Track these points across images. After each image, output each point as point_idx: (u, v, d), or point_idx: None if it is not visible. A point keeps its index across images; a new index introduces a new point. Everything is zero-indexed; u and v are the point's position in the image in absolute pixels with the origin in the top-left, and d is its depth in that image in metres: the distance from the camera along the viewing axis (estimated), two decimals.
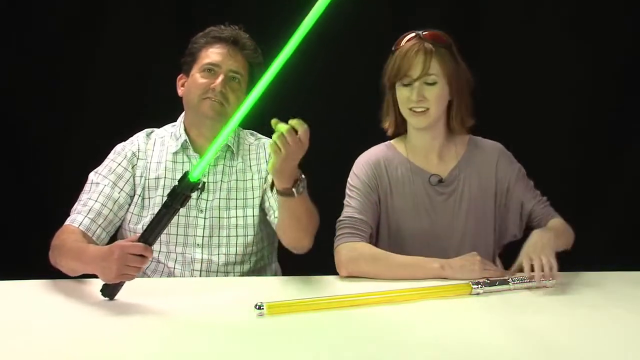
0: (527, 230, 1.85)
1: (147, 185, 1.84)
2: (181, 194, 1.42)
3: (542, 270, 1.57)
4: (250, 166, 1.89)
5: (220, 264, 1.84)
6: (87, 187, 1.82)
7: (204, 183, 1.84)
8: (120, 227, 1.85)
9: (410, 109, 1.76)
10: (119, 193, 1.81)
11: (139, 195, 1.83)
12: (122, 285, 1.49)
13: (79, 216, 1.75)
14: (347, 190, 1.84)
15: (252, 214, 1.86)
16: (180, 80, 1.90)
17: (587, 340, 1.26)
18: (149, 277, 1.85)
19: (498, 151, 1.87)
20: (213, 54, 1.83)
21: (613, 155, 2.54)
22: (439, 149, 1.85)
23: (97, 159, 1.87)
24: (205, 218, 1.84)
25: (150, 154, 1.88)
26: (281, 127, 1.48)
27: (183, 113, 1.91)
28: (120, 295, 1.51)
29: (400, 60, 1.74)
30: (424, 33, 1.75)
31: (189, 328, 1.33)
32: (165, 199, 1.45)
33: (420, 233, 1.81)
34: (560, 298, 1.53)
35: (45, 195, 2.46)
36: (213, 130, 1.79)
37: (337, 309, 1.44)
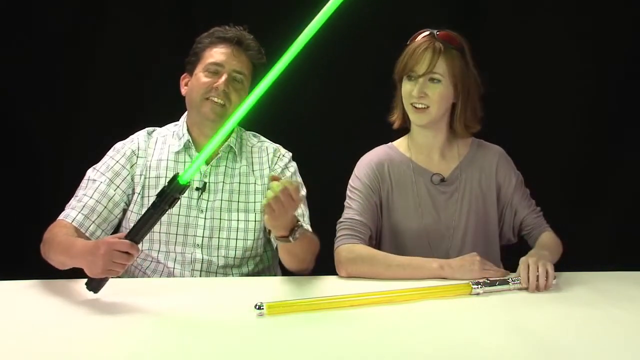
0: (519, 238, 1.89)
1: (146, 183, 1.84)
2: (170, 195, 1.42)
3: (538, 280, 1.57)
4: (253, 170, 1.89)
5: (219, 265, 1.84)
6: (83, 183, 1.83)
7: (205, 183, 1.84)
8: (120, 225, 1.85)
9: (412, 105, 1.77)
10: (114, 191, 1.81)
11: (139, 194, 1.83)
12: (106, 280, 1.50)
13: (73, 212, 1.76)
14: (347, 192, 1.85)
15: (253, 219, 1.86)
16: (184, 79, 1.90)
17: (587, 340, 1.26)
18: (148, 276, 1.85)
19: (499, 155, 1.88)
20: (217, 54, 1.83)
21: (613, 155, 2.54)
22: (441, 148, 1.85)
23: (97, 159, 1.87)
24: (205, 219, 1.84)
25: (151, 153, 1.88)
26: (275, 186, 1.50)
27: (186, 112, 1.92)
28: (120, 295, 1.51)
29: (408, 55, 1.77)
30: (437, 32, 1.77)
31: (189, 328, 1.33)
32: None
33: (422, 232, 1.81)
34: (560, 298, 1.53)
35: (44, 195, 2.46)
36: (215, 130, 1.78)
37: (337, 309, 1.44)
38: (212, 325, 1.35)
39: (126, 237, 1.45)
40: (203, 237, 1.83)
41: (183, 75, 1.91)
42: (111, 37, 2.48)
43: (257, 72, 1.87)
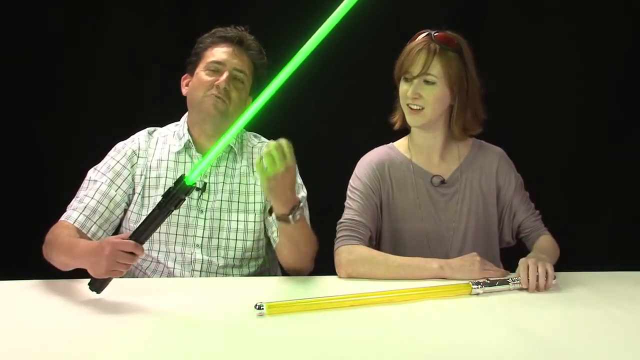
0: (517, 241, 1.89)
1: (147, 184, 1.84)
2: (176, 196, 1.43)
3: (538, 280, 1.57)
4: (253, 171, 1.89)
5: (219, 265, 1.84)
6: (85, 183, 1.83)
7: (205, 183, 1.84)
8: (120, 225, 1.85)
9: (408, 105, 1.77)
10: (116, 191, 1.81)
11: (139, 194, 1.84)
12: (110, 281, 1.50)
13: (74, 213, 1.76)
14: (348, 192, 1.85)
15: (253, 220, 1.86)
16: (185, 79, 1.90)
17: (587, 340, 1.26)
18: (149, 277, 1.85)
19: (500, 156, 1.88)
20: (218, 53, 1.84)
21: (614, 155, 2.54)
22: (441, 150, 1.85)
23: (97, 159, 1.87)
24: (205, 219, 1.84)
25: (152, 153, 1.88)
26: (269, 144, 1.55)
27: (187, 113, 1.92)
28: (120, 295, 1.51)
29: (405, 56, 1.76)
30: (435, 33, 1.75)
31: (188, 328, 1.33)
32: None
33: (422, 233, 1.81)
34: (560, 298, 1.53)
35: (44, 196, 2.46)
36: (215, 129, 1.80)
37: (337, 309, 1.43)
38: (212, 325, 1.35)
39: (130, 238, 1.45)
40: (203, 237, 1.83)
41: (184, 76, 1.91)
42: (111, 37, 2.48)
43: (257, 73, 1.87)
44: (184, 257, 1.83)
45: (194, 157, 1.87)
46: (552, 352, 1.20)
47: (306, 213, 1.85)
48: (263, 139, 1.97)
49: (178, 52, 1.97)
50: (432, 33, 1.76)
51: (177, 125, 1.93)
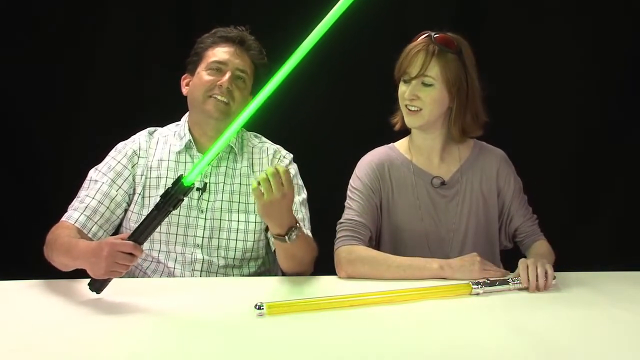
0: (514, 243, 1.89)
1: (147, 184, 1.84)
2: (174, 197, 1.43)
3: (538, 280, 1.57)
4: (254, 171, 1.89)
5: (220, 265, 1.84)
6: (85, 183, 1.83)
7: (206, 183, 1.84)
8: (120, 225, 1.85)
9: (406, 106, 1.77)
10: (116, 191, 1.81)
11: (139, 194, 1.84)
12: (109, 281, 1.50)
13: (75, 213, 1.76)
14: (348, 192, 1.84)
15: (254, 220, 1.86)
16: (185, 79, 1.90)
17: (587, 340, 1.26)
18: (149, 277, 1.85)
19: (501, 158, 1.87)
20: (220, 53, 1.84)
21: (614, 155, 2.54)
22: (441, 151, 1.85)
23: (97, 159, 1.87)
24: (205, 219, 1.84)
25: (152, 153, 1.88)
26: (267, 170, 1.53)
27: (187, 113, 1.92)
28: (120, 295, 1.51)
29: (404, 57, 1.76)
30: (435, 35, 1.75)
31: (188, 328, 1.33)
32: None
33: (422, 235, 1.81)
34: (560, 298, 1.53)
35: (44, 195, 2.46)
36: (216, 129, 1.80)
37: (337, 309, 1.43)
38: (212, 325, 1.35)
39: (129, 238, 1.45)
40: (203, 237, 1.83)
41: (184, 76, 1.91)
42: (111, 37, 2.48)
43: (257, 73, 1.87)
44: (184, 257, 1.83)
45: (194, 157, 1.87)
46: (552, 352, 1.20)
47: (306, 215, 1.85)
48: (264, 138, 1.97)
49: (178, 52, 1.97)
50: (432, 34, 1.75)
51: (177, 125, 1.93)
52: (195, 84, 1.84)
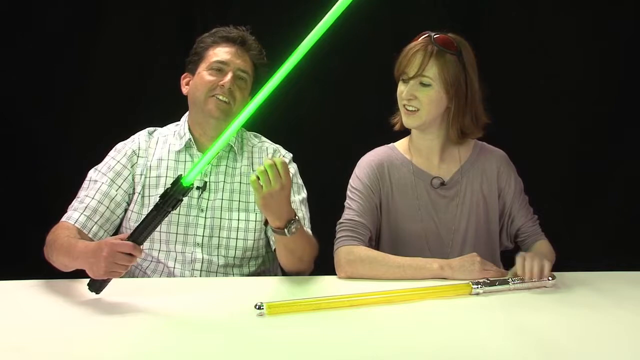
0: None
1: (147, 183, 1.84)
2: (173, 197, 1.43)
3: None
4: (254, 170, 1.89)
5: (220, 264, 1.84)
6: (85, 184, 1.83)
7: (206, 182, 1.84)
8: (120, 224, 1.85)
9: (404, 106, 1.77)
10: (116, 191, 1.81)
11: (139, 194, 1.84)
12: (109, 282, 1.50)
13: (75, 213, 1.76)
14: (348, 192, 1.84)
15: (254, 219, 1.86)
16: (185, 79, 1.90)
17: (587, 340, 1.26)
18: (149, 276, 1.85)
19: (502, 159, 1.86)
20: (221, 53, 1.84)
21: (613, 155, 2.55)
22: (441, 152, 1.84)
23: (96, 159, 1.88)
24: (206, 218, 1.84)
25: (152, 152, 1.88)
26: (265, 161, 1.54)
27: (187, 112, 1.92)
28: (120, 295, 1.51)
29: (403, 56, 1.76)
30: (435, 35, 1.74)
31: (188, 328, 1.33)
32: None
33: (422, 235, 1.81)
34: (560, 298, 1.53)
35: (44, 195, 2.46)
36: (217, 129, 1.80)
37: (337, 309, 1.43)
38: (212, 325, 1.35)
39: (128, 239, 1.45)
40: (203, 236, 1.83)
41: (184, 75, 1.91)
42: (111, 37, 2.48)
43: (258, 73, 1.88)
44: (184, 257, 1.83)
45: (194, 156, 1.87)
46: (552, 352, 1.20)
47: (307, 214, 1.85)
48: (263, 138, 1.97)
49: (178, 52, 1.97)
50: (432, 35, 1.74)
51: (177, 124, 1.93)
52: (196, 83, 1.84)
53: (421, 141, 1.84)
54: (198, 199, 1.84)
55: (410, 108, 1.76)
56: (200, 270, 1.83)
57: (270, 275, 1.94)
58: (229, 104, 1.80)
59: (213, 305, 1.50)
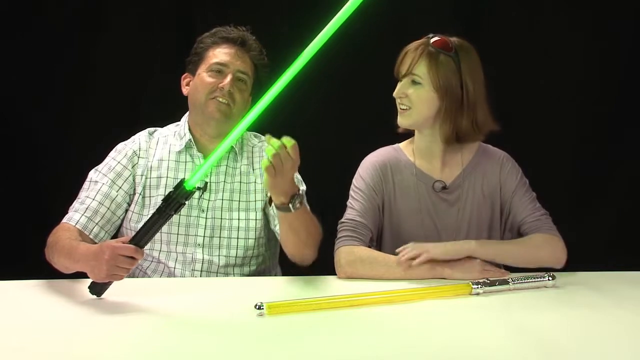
0: None
1: (148, 184, 1.84)
2: (175, 200, 1.42)
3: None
4: (254, 169, 1.89)
5: (220, 265, 1.84)
6: (86, 185, 1.83)
7: (206, 183, 1.84)
8: (121, 225, 1.85)
9: (398, 105, 1.77)
10: (117, 192, 1.81)
11: (140, 194, 1.84)
12: (110, 284, 1.50)
13: (76, 214, 1.76)
14: (351, 192, 1.84)
15: (254, 218, 1.86)
16: (185, 79, 1.90)
17: (587, 340, 1.26)
18: (149, 276, 1.85)
19: (503, 160, 1.85)
20: (221, 54, 1.83)
21: (613, 155, 2.55)
22: (442, 155, 1.83)
23: (97, 159, 1.87)
24: (206, 218, 1.84)
25: (152, 153, 1.88)
26: (274, 142, 1.51)
27: (187, 112, 1.92)
28: (120, 295, 1.51)
29: (399, 56, 1.77)
30: (434, 37, 1.74)
31: (188, 328, 1.33)
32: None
33: (422, 238, 1.78)
34: (560, 298, 1.53)
35: (44, 195, 2.46)
36: (217, 130, 1.80)
37: (337, 309, 1.43)
38: (212, 325, 1.35)
39: (130, 242, 1.45)
40: (204, 236, 1.83)
41: (184, 75, 1.91)
42: (111, 36, 2.48)
43: (258, 73, 1.87)
44: (185, 257, 1.83)
45: (194, 156, 1.87)
46: (551, 352, 1.20)
47: (306, 207, 1.85)
48: (263, 138, 1.97)
49: (178, 52, 1.97)
50: (432, 36, 1.75)
51: (177, 125, 1.93)
52: (196, 85, 1.84)
53: (421, 143, 1.84)
54: (199, 199, 1.84)
55: (403, 106, 1.76)
56: (201, 271, 1.83)
57: (270, 274, 1.94)
58: (229, 105, 1.80)
59: (213, 305, 1.50)
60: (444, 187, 1.82)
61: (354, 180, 1.85)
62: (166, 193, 1.45)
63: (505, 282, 1.56)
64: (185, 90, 1.90)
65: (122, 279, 1.47)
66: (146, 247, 1.47)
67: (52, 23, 2.46)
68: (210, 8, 2.49)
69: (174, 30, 2.49)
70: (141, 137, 1.91)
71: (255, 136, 1.97)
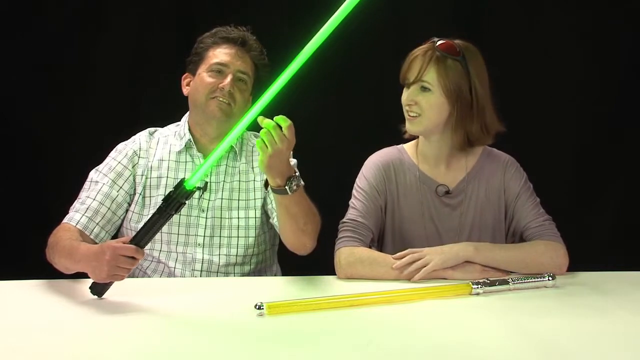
0: None
1: (148, 184, 1.85)
2: (176, 200, 1.43)
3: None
4: (253, 167, 1.89)
5: (220, 264, 1.84)
6: (86, 185, 1.83)
7: (207, 183, 1.84)
8: (121, 225, 1.85)
9: (406, 112, 1.76)
10: (117, 192, 1.81)
11: (140, 194, 1.84)
12: (111, 285, 1.50)
13: (77, 214, 1.76)
14: (353, 191, 1.83)
15: (254, 216, 1.86)
16: (185, 79, 1.90)
17: (587, 340, 1.26)
18: (149, 276, 1.85)
19: (506, 165, 1.83)
20: (221, 54, 1.83)
21: (613, 156, 2.55)
22: (447, 159, 1.82)
23: (97, 159, 1.87)
24: (207, 218, 1.84)
25: (153, 153, 1.88)
26: (267, 123, 1.50)
27: (187, 112, 1.92)
28: (121, 295, 1.51)
29: (406, 62, 1.75)
30: (439, 41, 1.72)
31: (188, 328, 1.33)
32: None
33: (424, 241, 1.78)
34: (560, 298, 1.53)
35: (44, 195, 2.46)
36: (218, 130, 1.80)
37: (337, 309, 1.43)
38: (212, 325, 1.35)
39: (131, 242, 1.45)
40: (204, 236, 1.84)
41: (184, 75, 1.91)
42: (111, 36, 2.49)
43: (258, 73, 1.87)
44: (185, 257, 1.83)
45: (195, 156, 1.87)
46: (552, 352, 1.20)
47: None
48: None
49: (178, 52, 1.97)
50: (437, 40, 1.73)
51: (177, 125, 1.93)
52: (196, 85, 1.84)
53: (427, 148, 1.83)
54: (199, 199, 1.84)
55: (412, 114, 1.74)
56: (201, 270, 1.83)
57: (270, 272, 1.94)
58: (229, 105, 1.80)
59: (213, 305, 1.50)
60: (447, 192, 1.81)
61: (357, 180, 1.84)
62: (166, 193, 1.45)
63: (505, 282, 1.56)
64: (185, 90, 1.90)
65: (123, 279, 1.47)
66: (146, 247, 1.47)
67: (52, 23, 2.46)
68: (210, 8, 2.49)
69: (174, 30, 2.49)
70: (141, 137, 1.91)
71: (254, 136, 1.97)
